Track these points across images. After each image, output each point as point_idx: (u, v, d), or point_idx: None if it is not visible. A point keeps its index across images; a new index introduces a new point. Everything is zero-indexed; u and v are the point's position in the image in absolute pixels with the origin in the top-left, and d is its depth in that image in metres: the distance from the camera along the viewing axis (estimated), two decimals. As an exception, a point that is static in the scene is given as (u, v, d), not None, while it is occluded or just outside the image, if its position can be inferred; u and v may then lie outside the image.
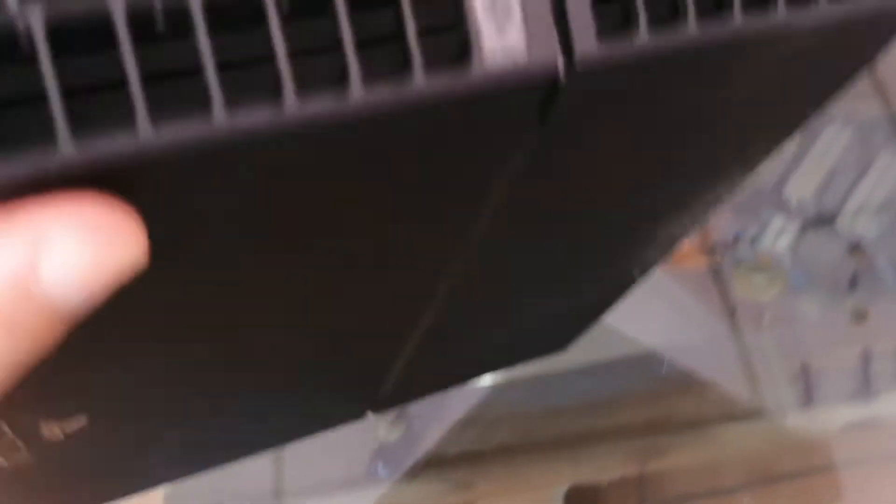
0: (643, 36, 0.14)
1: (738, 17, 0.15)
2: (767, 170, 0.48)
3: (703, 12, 0.15)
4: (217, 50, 0.11)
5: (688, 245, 0.48)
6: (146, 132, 0.11)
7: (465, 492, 0.42)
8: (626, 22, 0.15)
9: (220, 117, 0.11)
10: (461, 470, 0.43)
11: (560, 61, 0.14)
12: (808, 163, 0.49)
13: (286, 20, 0.11)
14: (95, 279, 0.11)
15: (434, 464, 0.43)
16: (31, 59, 0.10)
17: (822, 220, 0.48)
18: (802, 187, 0.48)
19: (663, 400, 0.44)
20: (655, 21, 0.15)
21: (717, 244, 0.48)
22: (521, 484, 0.43)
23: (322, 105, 0.12)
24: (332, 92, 0.12)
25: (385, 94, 0.12)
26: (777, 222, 0.48)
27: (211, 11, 0.11)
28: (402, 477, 0.43)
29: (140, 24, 0.11)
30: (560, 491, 0.42)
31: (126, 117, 0.11)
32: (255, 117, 0.11)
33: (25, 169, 0.11)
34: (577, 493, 0.42)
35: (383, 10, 0.12)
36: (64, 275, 0.11)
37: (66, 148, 0.11)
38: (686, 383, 0.44)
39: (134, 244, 0.12)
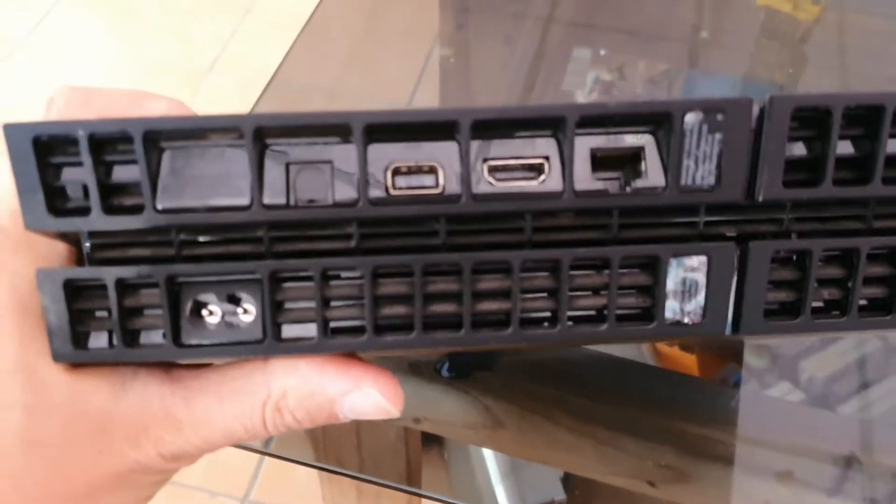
0: (805, 322, 0.19)
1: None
2: (792, 343, 0.47)
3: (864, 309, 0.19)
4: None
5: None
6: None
7: (494, 428, 0.44)
8: (795, 306, 0.19)
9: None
10: (503, 406, 0.44)
11: (728, 330, 0.18)
12: (833, 351, 0.48)
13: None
14: (366, 416, 0.20)
15: (485, 389, 0.45)
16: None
17: (823, 405, 0.47)
18: (818, 368, 0.47)
19: (714, 428, 0.44)
20: (817, 311, 0.19)
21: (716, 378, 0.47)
22: (541, 448, 0.44)
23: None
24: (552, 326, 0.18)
25: (587, 331, 0.18)
26: (782, 387, 0.47)
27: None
28: (458, 384, 0.45)
29: None
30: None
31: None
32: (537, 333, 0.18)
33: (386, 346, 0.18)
34: (579, 481, 0.43)
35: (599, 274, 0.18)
36: (352, 411, 0.20)
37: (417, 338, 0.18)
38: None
39: (397, 405, 0.20)
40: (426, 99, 0.61)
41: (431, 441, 0.52)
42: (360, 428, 0.45)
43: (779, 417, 0.45)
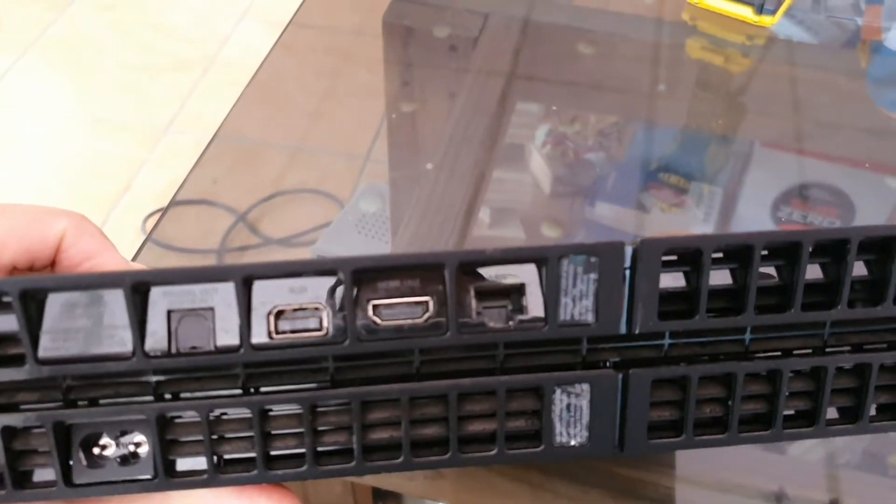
0: (687, 440, 0.19)
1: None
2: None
3: (745, 424, 0.19)
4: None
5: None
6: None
7: (434, 478, 0.42)
8: (678, 424, 0.18)
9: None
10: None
11: (613, 451, 0.18)
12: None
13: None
14: None
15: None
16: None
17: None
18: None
19: (646, 470, 0.43)
20: (700, 426, 0.19)
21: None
22: (480, 495, 0.43)
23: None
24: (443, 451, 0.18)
25: (478, 456, 0.18)
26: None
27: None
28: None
29: None
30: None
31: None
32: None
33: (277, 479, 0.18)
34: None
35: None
36: None
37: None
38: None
39: None
40: (380, 151, 0.61)
41: (385, 495, 0.50)
42: (306, 482, 0.44)
43: (709, 456, 0.45)
